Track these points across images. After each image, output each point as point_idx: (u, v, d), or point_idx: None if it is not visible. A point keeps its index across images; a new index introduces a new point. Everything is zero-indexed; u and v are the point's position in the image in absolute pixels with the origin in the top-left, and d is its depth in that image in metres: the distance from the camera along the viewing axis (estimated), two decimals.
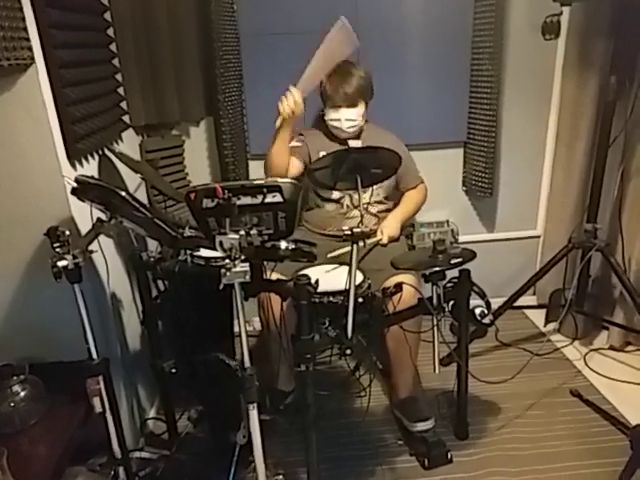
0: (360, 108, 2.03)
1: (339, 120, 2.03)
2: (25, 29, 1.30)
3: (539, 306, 2.79)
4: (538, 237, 2.78)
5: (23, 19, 1.29)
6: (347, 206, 2.13)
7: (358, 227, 1.41)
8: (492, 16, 2.23)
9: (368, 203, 2.13)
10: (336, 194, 2.12)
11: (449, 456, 1.83)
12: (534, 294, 2.83)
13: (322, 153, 2.01)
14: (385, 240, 1.97)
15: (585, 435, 1.94)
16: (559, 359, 2.41)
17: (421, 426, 1.90)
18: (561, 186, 2.58)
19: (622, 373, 2.28)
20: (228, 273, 1.20)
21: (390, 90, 2.32)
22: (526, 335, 2.60)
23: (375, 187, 2.10)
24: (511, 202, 2.70)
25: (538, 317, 2.73)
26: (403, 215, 2.14)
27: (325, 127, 2.13)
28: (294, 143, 2.11)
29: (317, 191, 2.14)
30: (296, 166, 2.07)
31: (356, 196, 2.07)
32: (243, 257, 1.21)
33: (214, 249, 1.25)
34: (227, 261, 1.21)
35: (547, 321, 2.62)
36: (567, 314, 2.44)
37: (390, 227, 2.04)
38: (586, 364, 2.36)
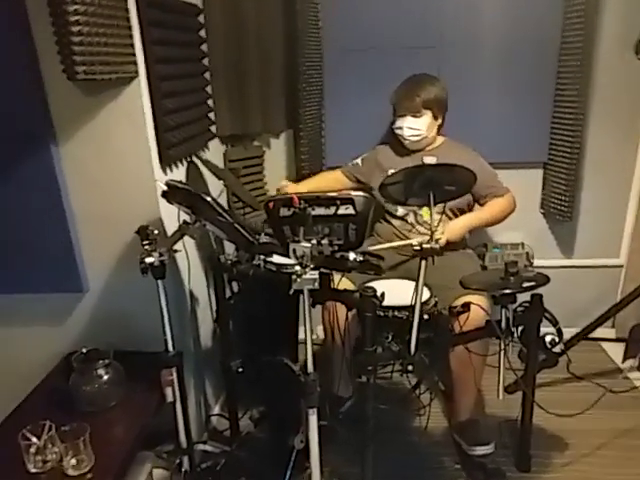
0: (425, 119, 2.03)
1: (401, 128, 2.05)
2: (132, 45, 1.44)
3: (618, 340, 2.62)
4: (620, 267, 2.63)
5: (131, 36, 1.43)
6: (411, 223, 2.13)
7: (428, 243, 1.42)
8: (581, 34, 2.16)
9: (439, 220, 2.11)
10: (401, 211, 2.12)
11: None
12: (613, 327, 2.67)
13: (391, 171, 2.04)
14: (443, 241, 1.90)
15: None
16: (637, 398, 2.26)
17: (480, 450, 1.85)
18: None
19: None
20: (298, 279, 1.25)
21: (470, 106, 2.31)
22: (601, 370, 2.46)
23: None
24: (592, 228, 2.57)
25: (616, 352, 2.57)
26: (474, 220, 2.06)
27: (396, 141, 2.16)
28: (355, 161, 2.23)
29: (384, 206, 2.16)
30: (343, 184, 2.22)
31: (420, 213, 2.08)
32: (313, 265, 1.26)
33: (287, 256, 1.31)
34: (298, 268, 1.26)
35: (626, 357, 2.47)
36: None
37: (452, 230, 1.97)
38: None
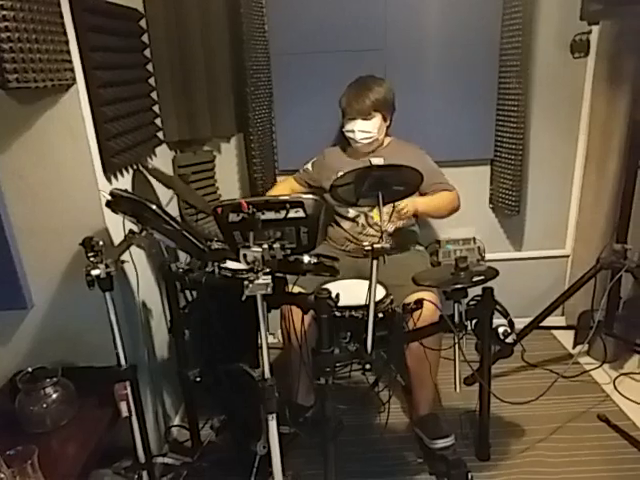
0: (375, 121, 2.06)
1: (353, 132, 2.07)
2: (68, 52, 1.39)
3: (568, 327, 2.73)
4: (567, 257, 2.74)
5: (67, 42, 1.38)
6: (362, 225, 2.15)
7: (378, 243, 1.43)
8: (520, 34, 2.23)
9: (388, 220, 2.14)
10: (352, 212, 2.15)
11: (469, 477, 1.80)
12: (563, 314, 2.77)
13: (340, 173, 2.05)
14: (410, 212, 1.94)
15: (612, 462, 1.88)
16: (587, 382, 2.36)
17: (441, 443, 1.88)
18: (590, 205, 2.55)
19: None
20: (251, 285, 1.24)
21: (417, 107, 2.35)
22: (553, 356, 2.55)
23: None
24: (539, 220, 2.67)
25: (566, 338, 2.67)
26: (426, 203, 2.03)
27: (345, 142, 2.18)
28: (305, 167, 2.27)
29: (335, 209, 2.17)
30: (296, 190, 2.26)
31: (371, 214, 2.11)
32: (266, 270, 1.25)
33: (239, 261, 1.30)
34: (250, 273, 1.25)
35: (575, 343, 2.56)
36: (596, 336, 2.39)
37: (415, 201, 1.98)
38: (615, 388, 2.29)
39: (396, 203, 1.87)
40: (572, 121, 2.51)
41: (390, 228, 2.11)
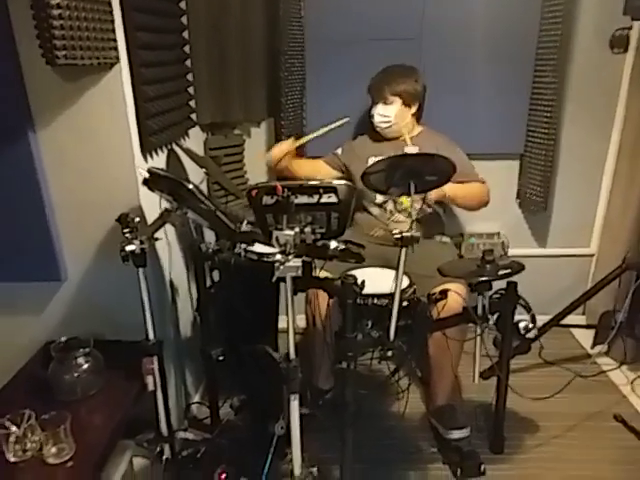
0: (395, 106, 2.09)
1: (373, 115, 2.13)
2: (114, 30, 1.41)
3: (588, 326, 2.71)
4: (591, 256, 2.72)
5: (112, 22, 1.41)
6: (390, 211, 2.17)
7: (408, 232, 1.44)
8: (559, 27, 2.21)
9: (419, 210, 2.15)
10: (380, 198, 2.16)
11: (482, 468, 1.81)
12: (583, 314, 2.76)
13: (372, 159, 2.06)
14: (432, 197, 1.99)
15: (627, 462, 1.89)
16: (604, 382, 2.35)
17: (456, 434, 1.90)
18: (619, 205, 2.51)
19: None
20: (281, 267, 1.26)
21: (450, 98, 2.34)
22: (571, 355, 2.55)
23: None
24: (565, 218, 2.65)
25: (586, 338, 2.66)
26: (459, 188, 2.02)
27: (372, 130, 2.20)
28: (335, 151, 2.28)
29: (364, 194, 2.18)
30: (327, 174, 2.26)
31: (399, 200, 2.12)
32: (296, 253, 1.27)
33: (269, 244, 1.32)
34: (281, 256, 1.27)
35: (595, 343, 2.55)
36: (616, 337, 2.37)
37: (439, 190, 1.93)
38: (633, 390, 2.29)
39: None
40: (606, 118, 2.47)
41: (414, 213, 2.11)
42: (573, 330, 2.75)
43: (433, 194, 1.96)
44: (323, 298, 1.74)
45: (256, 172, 2.51)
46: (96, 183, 1.56)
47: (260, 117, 2.42)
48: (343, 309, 1.53)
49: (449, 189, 1.98)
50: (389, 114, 2.10)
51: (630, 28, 2.19)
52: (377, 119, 2.12)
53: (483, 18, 2.29)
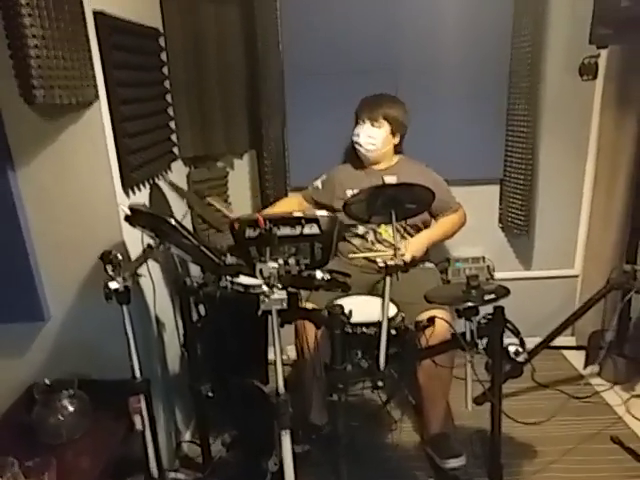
0: (382, 131, 2.11)
1: (359, 135, 2.13)
2: (92, 69, 1.43)
3: (578, 347, 2.71)
4: (576, 276, 2.74)
5: (91, 60, 1.42)
6: (371, 241, 2.17)
7: (392, 260, 1.45)
8: (529, 56, 2.28)
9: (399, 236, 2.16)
10: (361, 229, 2.17)
11: None
12: (573, 334, 2.76)
13: (349, 191, 2.07)
14: (408, 257, 1.94)
15: None
16: (599, 404, 2.33)
17: (452, 463, 1.87)
18: (600, 225, 2.55)
19: None
20: (266, 300, 1.26)
21: (427, 126, 2.38)
22: (564, 377, 2.54)
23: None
24: (548, 240, 2.68)
25: (577, 359, 2.65)
26: (433, 235, 2.11)
27: (356, 158, 2.22)
28: (315, 184, 2.29)
29: (345, 225, 2.17)
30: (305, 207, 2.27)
31: (379, 230, 2.14)
32: (280, 285, 1.27)
33: (254, 276, 1.31)
34: (266, 288, 1.26)
35: (586, 363, 2.55)
36: (607, 357, 2.38)
37: (415, 244, 2.03)
38: (627, 410, 2.27)
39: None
40: (581, 142, 2.54)
41: (402, 246, 2.13)
42: (564, 351, 2.74)
43: (410, 255, 1.97)
44: (311, 329, 1.72)
45: (240, 204, 2.52)
46: (78, 221, 1.55)
47: (242, 149, 2.44)
48: (331, 339, 1.52)
49: (430, 237, 2.07)
50: (375, 136, 2.11)
51: (598, 56, 2.27)
52: (363, 139, 2.12)
53: (456, 48, 2.36)
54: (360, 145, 2.14)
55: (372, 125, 2.12)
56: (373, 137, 2.12)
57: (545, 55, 2.35)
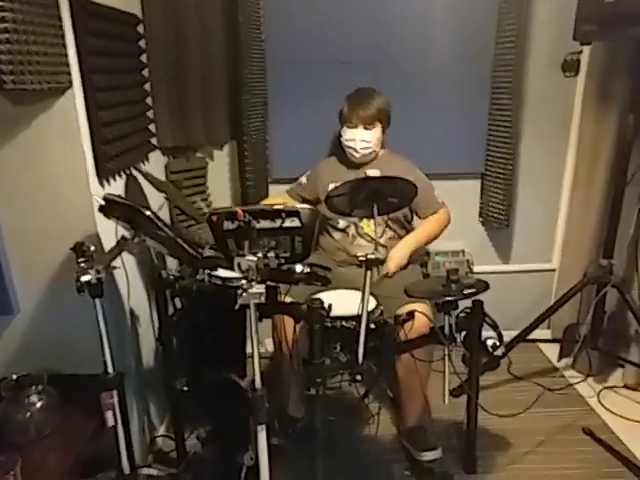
0: (376, 131, 2.08)
1: (354, 140, 2.07)
2: (66, 55, 1.37)
3: (554, 340, 2.76)
4: (553, 270, 2.77)
5: (64, 45, 1.37)
6: (353, 235, 2.16)
7: (372, 254, 1.44)
8: (513, 52, 2.28)
9: (382, 232, 2.15)
10: (342, 223, 2.15)
11: None
12: (549, 328, 2.80)
13: (331, 185, 2.05)
14: (391, 271, 1.95)
15: (597, 475, 1.90)
16: (572, 395, 2.38)
17: (428, 455, 1.88)
18: (578, 220, 2.59)
19: (637, 413, 2.24)
20: (244, 294, 1.23)
21: (409, 120, 2.36)
22: (539, 369, 2.58)
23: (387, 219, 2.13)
24: (527, 235, 2.70)
25: (552, 351, 2.70)
26: (417, 240, 2.10)
27: (342, 152, 2.18)
28: (300, 180, 2.26)
29: (325, 219, 2.16)
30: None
31: (360, 224, 2.12)
32: (259, 279, 1.24)
33: (232, 269, 1.29)
34: (244, 282, 1.24)
35: (561, 356, 2.60)
36: (581, 350, 2.42)
37: (397, 254, 2.01)
38: (600, 402, 2.32)
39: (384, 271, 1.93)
40: (562, 138, 2.56)
41: (379, 233, 2.12)
42: (540, 344, 2.78)
43: (394, 267, 1.96)
44: (289, 323, 1.71)
45: (220, 195, 2.48)
46: (50, 211, 1.50)
47: (222, 140, 2.39)
48: (310, 334, 1.50)
49: (412, 243, 2.06)
50: (370, 139, 2.07)
51: (580, 52, 2.28)
52: (359, 145, 2.06)
53: (441, 42, 2.35)
54: (355, 150, 2.09)
55: (365, 129, 2.06)
56: (368, 141, 2.07)
57: (528, 51, 2.36)
